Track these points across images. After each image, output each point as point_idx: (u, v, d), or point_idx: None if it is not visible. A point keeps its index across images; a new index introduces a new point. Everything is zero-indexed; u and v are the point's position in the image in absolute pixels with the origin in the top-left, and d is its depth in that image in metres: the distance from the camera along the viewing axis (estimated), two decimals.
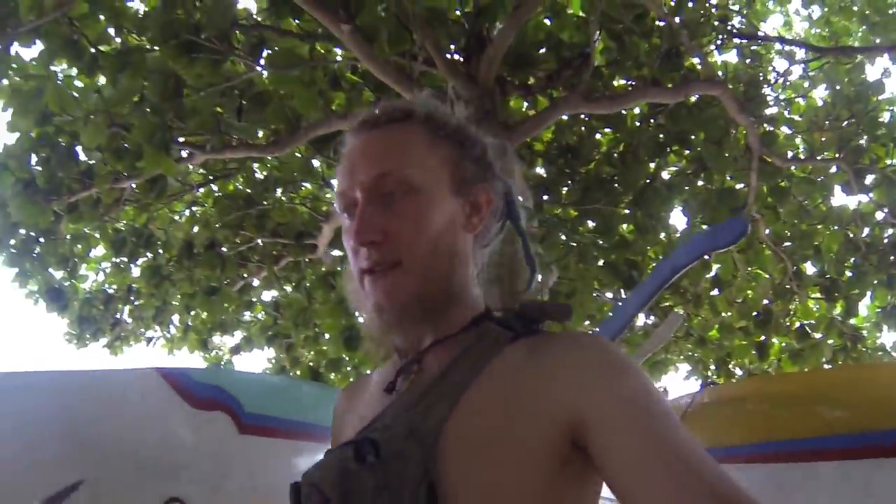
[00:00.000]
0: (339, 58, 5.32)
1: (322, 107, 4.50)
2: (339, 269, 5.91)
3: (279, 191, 5.63)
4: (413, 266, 0.83)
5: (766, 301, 6.90)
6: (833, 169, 5.99)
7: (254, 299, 6.40)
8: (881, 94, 5.71)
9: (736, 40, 5.46)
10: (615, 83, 5.21)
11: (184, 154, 4.91)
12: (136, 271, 6.13)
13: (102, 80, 5.09)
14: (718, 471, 0.64)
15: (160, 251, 5.88)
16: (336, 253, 6.00)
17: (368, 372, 1.05)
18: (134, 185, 5.20)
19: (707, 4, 5.03)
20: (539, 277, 0.96)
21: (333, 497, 0.73)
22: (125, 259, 5.93)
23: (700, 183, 5.77)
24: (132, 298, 6.11)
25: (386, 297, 0.83)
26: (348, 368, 6.52)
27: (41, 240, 5.70)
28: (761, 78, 5.60)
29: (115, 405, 1.79)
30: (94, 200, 5.43)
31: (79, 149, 5.28)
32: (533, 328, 0.85)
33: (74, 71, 5.14)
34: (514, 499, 0.71)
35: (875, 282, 6.57)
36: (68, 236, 5.79)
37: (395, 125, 0.89)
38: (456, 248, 0.88)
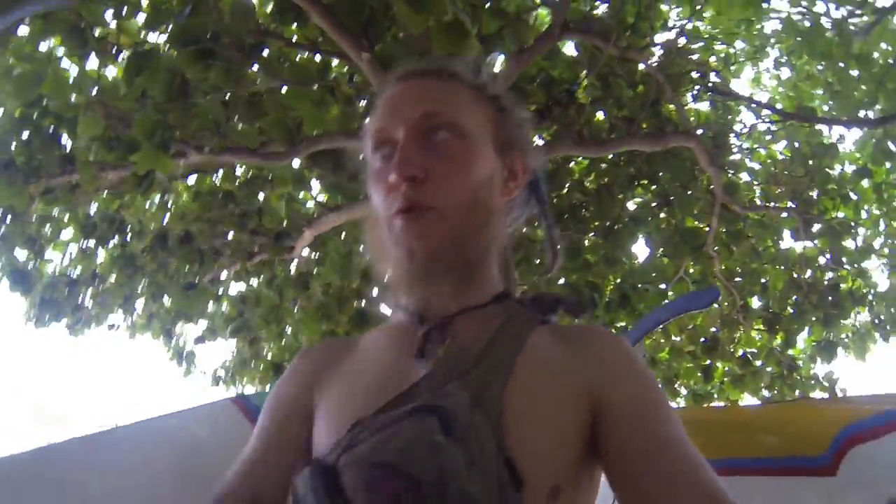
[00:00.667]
0: (335, 65, 5.87)
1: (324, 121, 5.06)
2: (313, 269, 6.51)
3: (263, 193, 6.14)
4: (451, 212, 0.83)
5: (713, 329, 7.83)
6: (784, 215, 7.01)
7: (219, 291, 6.91)
8: (835, 157, 6.75)
9: (710, 94, 6.39)
10: (596, 118, 6.02)
11: (179, 152, 5.36)
12: (101, 256, 6.55)
13: (94, 63, 5.47)
14: (711, 471, 0.74)
15: (129, 238, 6.31)
16: (306, 253, 6.55)
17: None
18: (120, 177, 5.63)
19: (689, 58, 5.93)
20: (558, 263, 1.03)
21: (426, 479, 0.66)
22: (93, 243, 6.34)
23: (662, 216, 6.62)
24: (97, 283, 6.54)
25: (419, 240, 0.83)
26: None
27: (7, 219, 6.05)
28: (728, 129, 6.57)
29: (207, 440, 2.03)
30: (72, 186, 5.83)
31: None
32: (549, 317, 0.93)
33: (60, 50, 5.49)
34: (562, 470, 0.76)
35: (813, 318, 7.52)
36: (35, 217, 6.13)
37: (442, 79, 0.93)
38: (493, 206, 0.90)
